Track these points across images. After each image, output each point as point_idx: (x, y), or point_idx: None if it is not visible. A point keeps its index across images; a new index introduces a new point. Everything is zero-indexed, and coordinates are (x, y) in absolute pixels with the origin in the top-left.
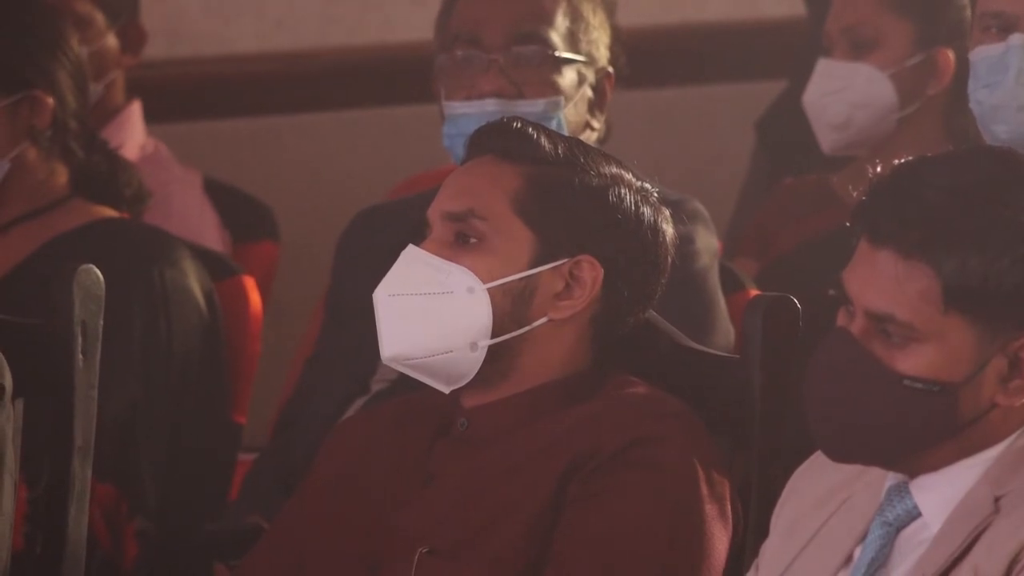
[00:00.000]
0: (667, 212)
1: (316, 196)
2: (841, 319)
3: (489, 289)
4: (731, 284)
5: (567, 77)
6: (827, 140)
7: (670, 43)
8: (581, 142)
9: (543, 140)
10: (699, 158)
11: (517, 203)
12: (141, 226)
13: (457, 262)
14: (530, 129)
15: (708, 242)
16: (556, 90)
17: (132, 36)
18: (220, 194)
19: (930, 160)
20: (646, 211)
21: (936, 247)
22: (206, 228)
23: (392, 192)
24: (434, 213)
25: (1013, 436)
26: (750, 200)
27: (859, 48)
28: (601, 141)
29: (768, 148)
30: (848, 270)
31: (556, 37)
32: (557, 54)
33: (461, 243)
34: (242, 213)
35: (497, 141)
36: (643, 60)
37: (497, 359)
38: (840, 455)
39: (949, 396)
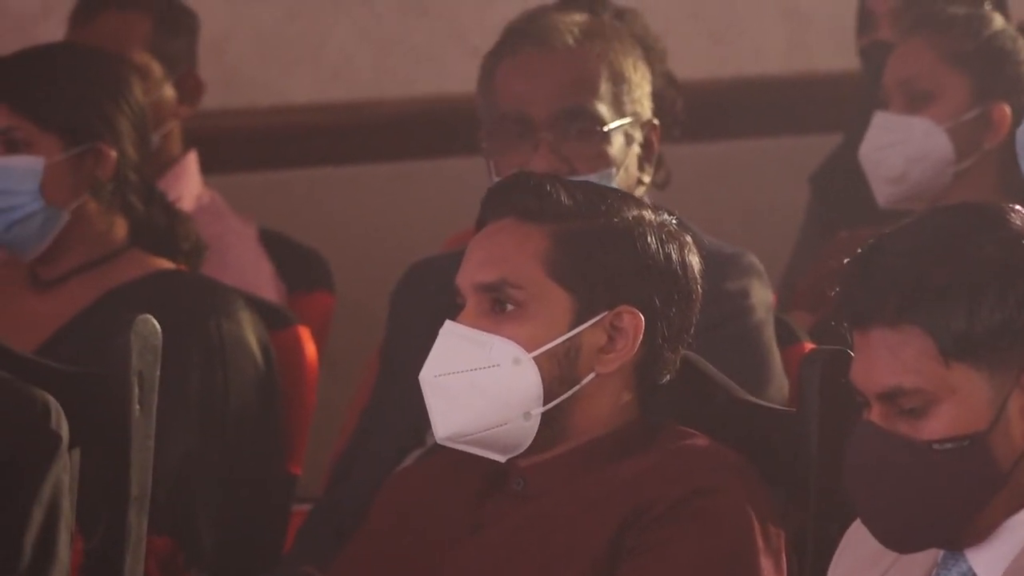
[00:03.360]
0: (689, 240)
1: (370, 247)
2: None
3: (535, 357)
4: (786, 337)
5: (616, 144)
6: (883, 193)
7: (726, 96)
8: (597, 187)
9: (563, 195)
10: (754, 211)
11: (548, 265)
12: (198, 277)
13: (498, 333)
14: (547, 186)
15: (763, 296)
16: (608, 162)
17: (189, 86)
18: (275, 245)
19: (887, 233)
20: (672, 248)
21: (917, 307)
22: (262, 279)
23: (446, 244)
24: (465, 283)
25: None
26: (804, 253)
27: (916, 101)
28: (659, 187)
29: (823, 201)
30: (852, 369)
31: (602, 107)
32: (606, 129)
33: (498, 311)
34: (297, 264)
35: (516, 201)
36: (700, 113)
37: (550, 422)
38: (905, 546)
39: (981, 446)
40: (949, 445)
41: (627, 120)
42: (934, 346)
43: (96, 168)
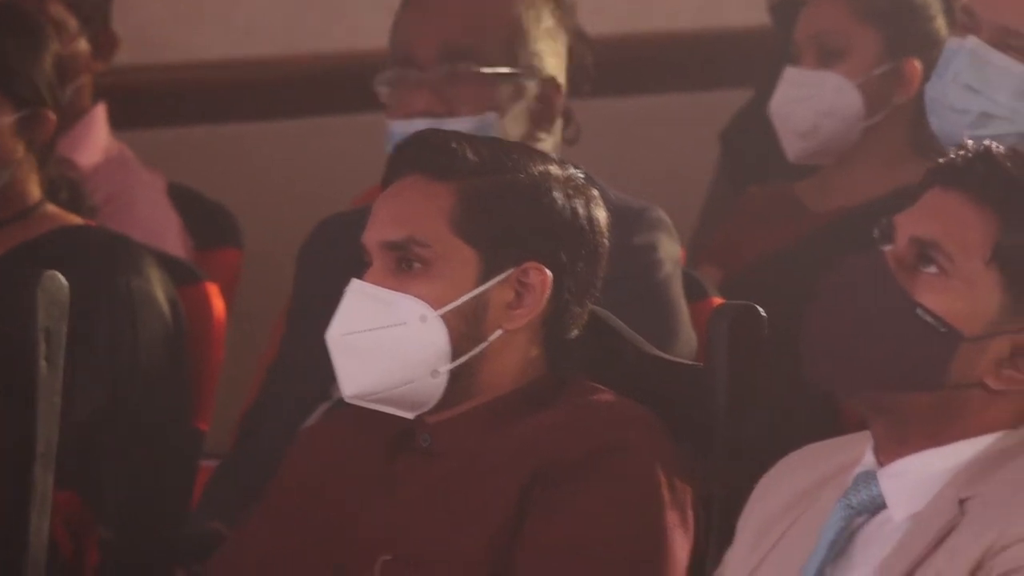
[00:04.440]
0: (596, 195)
1: (280, 203)
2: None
3: (442, 314)
4: (695, 292)
5: (502, 92)
6: (793, 148)
7: (637, 52)
8: (503, 142)
9: (468, 151)
10: (664, 166)
11: (455, 223)
12: (107, 233)
13: (405, 291)
14: (452, 143)
15: (671, 250)
16: (487, 106)
17: (104, 42)
18: (184, 200)
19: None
20: (579, 203)
21: (1011, 204)
22: (169, 233)
23: (356, 200)
24: (371, 241)
25: (988, 439)
26: (714, 208)
27: (826, 56)
28: (569, 142)
29: (733, 157)
30: (903, 212)
31: (489, 51)
32: (487, 70)
33: (405, 269)
34: (206, 219)
35: (422, 158)
36: (610, 68)
37: (458, 379)
38: (825, 376)
39: (951, 343)
40: (930, 319)
41: (516, 70)
42: (993, 240)
43: (35, 130)
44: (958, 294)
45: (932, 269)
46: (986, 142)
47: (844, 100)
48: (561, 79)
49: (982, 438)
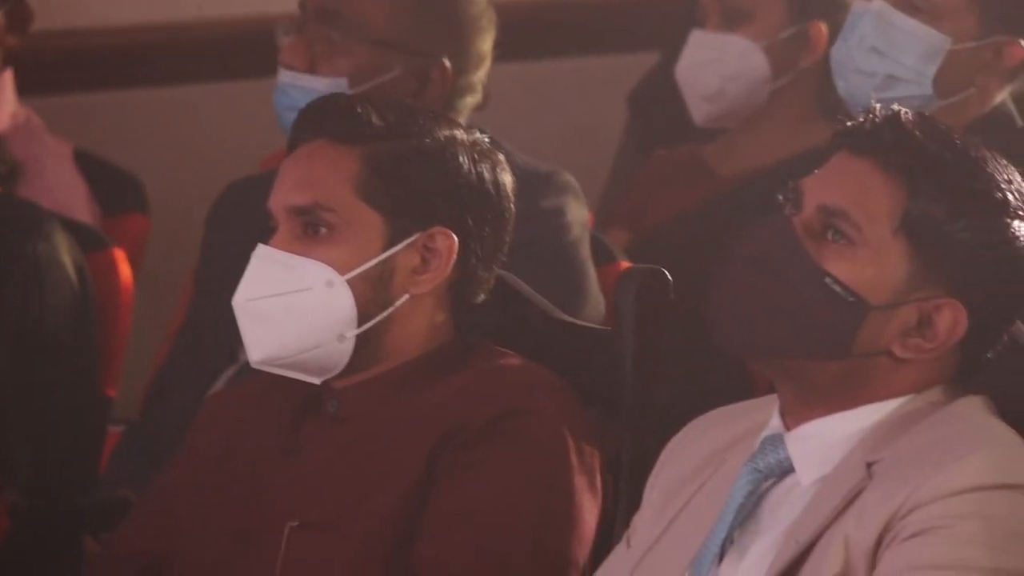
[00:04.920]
0: (502, 159)
1: (187, 169)
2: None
3: (348, 279)
4: (602, 256)
5: (364, 59)
6: (699, 111)
7: (544, 16)
8: (410, 107)
9: (373, 116)
10: (572, 130)
11: (360, 187)
12: (14, 200)
13: (311, 256)
14: (358, 107)
15: (578, 214)
16: (343, 71)
17: (19, 15)
18: (90, 166)
19: (932, 118)
20: (485, 167)
21: (917, 172)
22: (76, 200)
23: (264, 164)
24: (277, 206)
25: (895, 403)
26: (622, 172)
27: (732, 19)
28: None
29: (640, 120)
30: (809, 177)
31: (362, 19)
32: (347, 34)
33: (311, 234)
34: (112, 185)
35: (328, 123)
36: (517, 32)
37: (365, 344)
38: (729, 339)
39: (858, 313)
40: (837, 288)
41: (386, 40)
42: (901, 210)
43: None
44: (865, 263)
45: (840, 239)
46: (894, 107)
47: (750, 63)
48: (464, 58)
49: (888, 402)
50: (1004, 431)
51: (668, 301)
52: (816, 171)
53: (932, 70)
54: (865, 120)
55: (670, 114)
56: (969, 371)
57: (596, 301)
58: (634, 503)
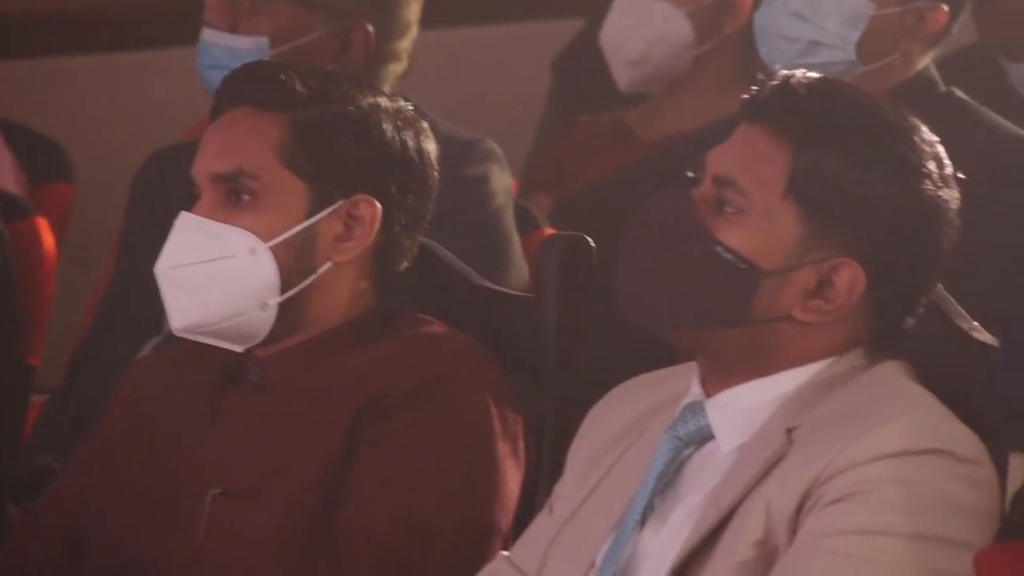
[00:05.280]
0: (426, 126)
1: (112, 137)
2: None
3: (271, 247)
4: (526, 223)
5: (285, 19)
6: (623, 77)
7: None
8: (334, 74)
9: (297, 83)
10: (496, 97)
11: (283, 154)
12: None
13: (234, 223)
14: (282, 74)
15: (502, 181)
16: (265, 30)
17: None
18: (14, 134)
19: (837, 80)
20: (408, 135)
21: (803, 132)
22: (3, 170)
23: (188, 132)
24: (200, 173)
25: (813, 369)
26: (546, 138)
27: None
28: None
29: (565, 86)
30: (714, 148)
31: None
32: None
33: (234, 202)
34: (37, 154)
35: (251, 90)
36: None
37: (287, 312)
38: (632, 312)
39: (750, 279)
40: (729, 256)
41: (308, 0)
42: (788, 172)
43: None
44: (755, 229)
45: (731, 208)
46: (784, 72)
47: (674, 28)
48: (387, 24)
49: (807, 367)
50: (924, 396)
51: (591, 267)
52: (725, 142)
53: (855, 35)
54: (761, 89)
55: (595, 80)
56: (887, 336)
57: (520, 268)
58: (557, 470)
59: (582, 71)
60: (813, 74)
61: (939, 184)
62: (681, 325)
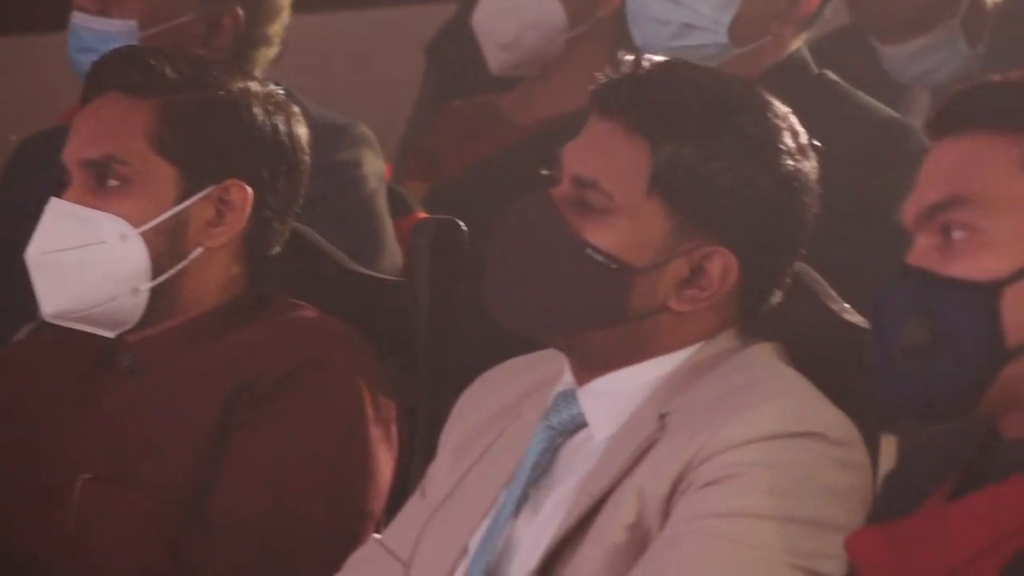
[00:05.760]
0: (297, 111)
1: None
2: None
3: (142, 232)
4: (399, 207)
5: (155, 2)
6: (496, 60)
7: None
8: (204, 59)
9: (167, 68)
10: (370, 82)
11: (154, 140)
12: None
13: (104, 209)
14: (152, 60)
15: (375, 166)
16: (134, 13)
17: None
18: None
19: (683, 62)
20: (279, 119)
21: (658, 127)
22: None
23: (61, 118)
24: (70, 159)
25: (685, 353)
26: (420, 123)
27: None
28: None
29: (439, 70)
30: (567, 145)
31: None
32: None
33: (104, 188)
34: None
35: (121, 76)
36: None
37: (159, 297)
38: (506, 317)
39: (624, 278)
40: (600, 257)
41: None
42: (649, 168)
43: None
44: (624, 228)
45: (595, 209)
46: (628, 60)
47: (546, 11)
48: (258, 8)
49: (678, 352)
50: (795, 378)
51: (463, 251)
52: (578, 137)
53: (727, 18)
54: (608, 80)
55: (468, 64)
56: (754, 314)
57: (392, 253)
58: (429, 454)
59: (455, 55)
60: (658, 58)
61: (797, 157)
62: (557, 329)
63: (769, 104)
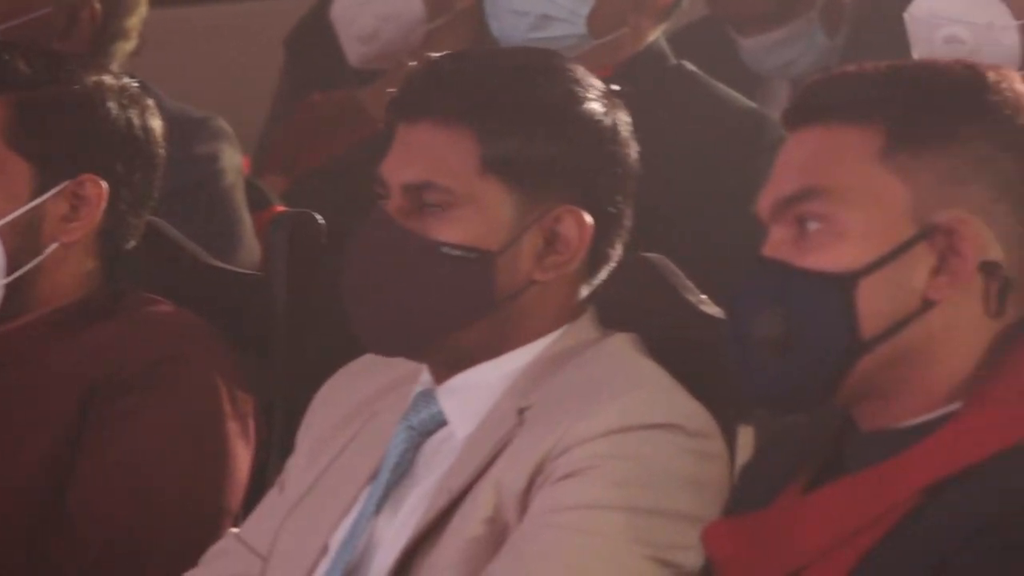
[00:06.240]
0: (151, 104)
1: None
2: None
3: None
4: (258, 201)
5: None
6: (354, 53)
7: None
8: (57, 53)
9: (20, 63)
10: (229, 75)
11: (7, 136)
12: None
13: None
14: (5, 55)
15: (233, 160)
16: None
17: None
18: None
19: (467, 51)
20: (133, 113)
21: (476, 110)
22: None
23: None
24: None
25: (544, 343)
26: (279, 117)
27: None
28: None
29: (298, 64)
30: (384, 161)
31: None
32: None
33: None
34: None
35: None
36: None
37: (14, 293)
38: (383, 344)
39: (486, 265)
40: (457, 252)
41: None
42: (478, 152)
43: None
44: (470, 217)
45: (437, 207)
46: (415, 65)
47: (404, 4)
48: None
49: (536, 343)
50: (653, 370)
51: (320, 245)
52: (389, 153)
53: (585, 9)
54: (404, 87)
55: (327, 58)
56: (606, 263)
57: (250, 247)
58: (287, 449)
59: (315, 48)
60: (440, 54)
61: (608, 105)
62: (436, 335)
63: (566, 65)
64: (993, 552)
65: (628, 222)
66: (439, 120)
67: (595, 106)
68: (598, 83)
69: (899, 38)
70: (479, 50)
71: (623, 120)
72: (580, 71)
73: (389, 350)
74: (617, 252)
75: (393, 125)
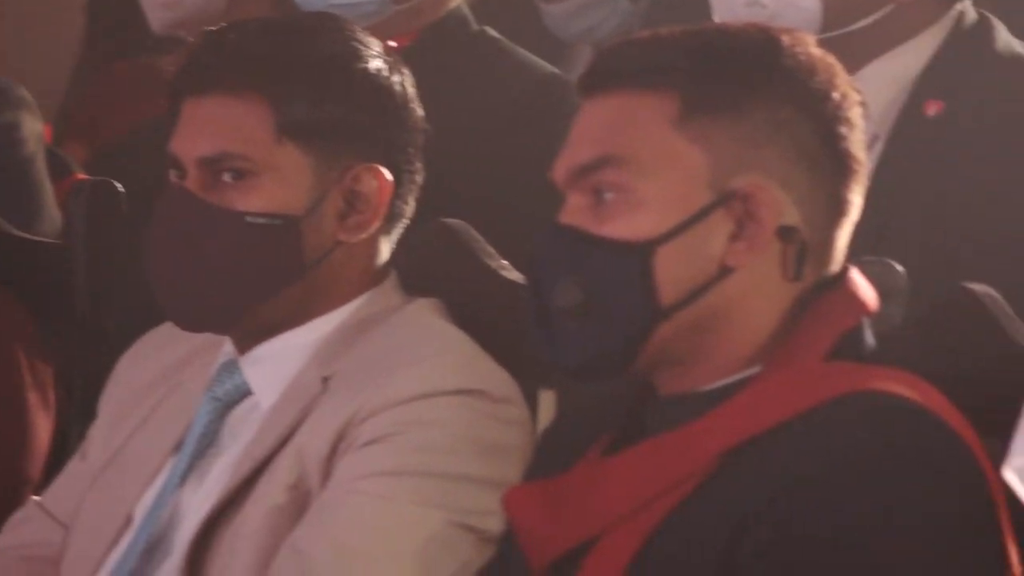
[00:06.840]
0: None
1: None
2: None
3: None
4: (59, 170)
5: None
6: (157, 19)
7: None
8: None
9: None
10: (29, 42)
11: None
12: None
13: None
14: None
15: (33, 128)
16: None
17: None
18: None
19: (248, 21)
20: None
21: (267, 78)
22: None
23: None
24: None
25: (349, 309)
26: (80, 83)
27: None
28: None
29: (100, 30)
30: (174, 139)
31: None
32: None
33: None
34: None
35: None
36: None
37: None
38: (196, 322)
39: (291, 230)
40: (262, 220)
41: None
42: (271, 118)
43: None
44: (271, 184)
45: (236, 177)
46: (193, 40)
47: None
48: None
49: (338, 311)
50: (455, 335)
51: (120, 213)
52: (177, 130)
53: None
54: (187, 62)
55: (130, 25)
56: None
57: (51, 216)
58: (89, 417)
59: (118, 14)
60: (219, 26)
61: (391, 63)
62: (247, 307)
63: (347, 26)
64: (791, 514)
65: (419, 178)
66: (229, 91)
67: (378, 63)
68: (377, 42)
69: (702, 2)
70: (259, 19)
71: (408, 76)
72: (360, 31)
73: (202, 327)
74: (411, 208)
75: (178, 101)
